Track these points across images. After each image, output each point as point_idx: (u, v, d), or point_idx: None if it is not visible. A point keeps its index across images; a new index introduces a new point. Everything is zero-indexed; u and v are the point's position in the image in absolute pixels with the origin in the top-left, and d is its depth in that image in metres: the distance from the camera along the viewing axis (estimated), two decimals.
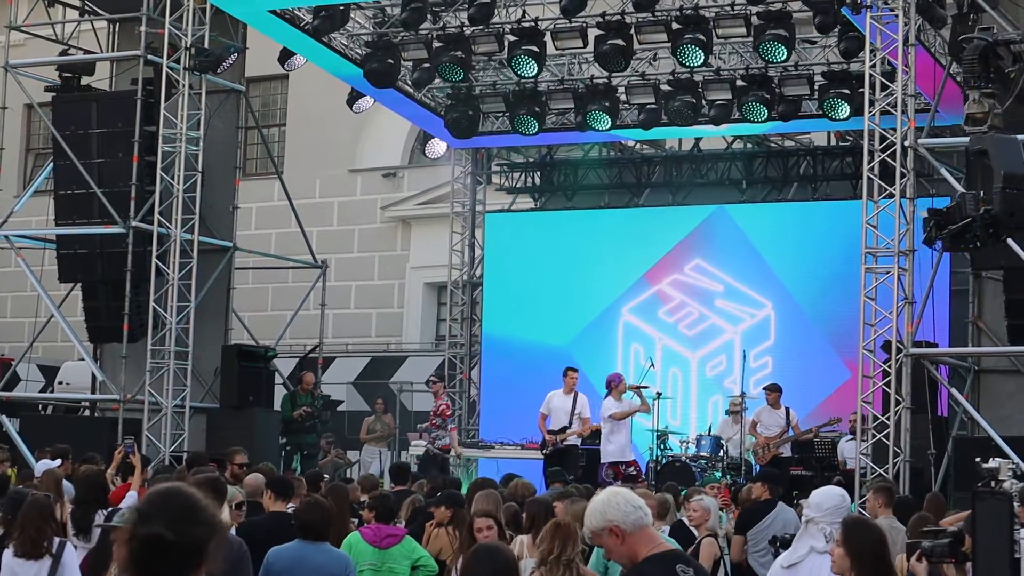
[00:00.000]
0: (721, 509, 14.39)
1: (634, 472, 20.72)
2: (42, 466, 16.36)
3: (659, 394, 22.25)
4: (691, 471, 21.35)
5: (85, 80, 24.36)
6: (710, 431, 22.60)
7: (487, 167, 29.07)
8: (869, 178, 18.24)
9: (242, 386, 23.20)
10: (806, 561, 8.42)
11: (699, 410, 25.03)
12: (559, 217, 27.98)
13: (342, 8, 22.51)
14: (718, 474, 20.83)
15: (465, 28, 22.94)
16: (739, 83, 23.63)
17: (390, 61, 23.50)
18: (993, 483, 7.23)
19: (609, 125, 24.54)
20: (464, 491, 13.96)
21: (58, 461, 16.58)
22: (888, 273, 17.88)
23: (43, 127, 31.73)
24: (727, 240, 25.93)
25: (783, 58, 21.52)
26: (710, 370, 25.49)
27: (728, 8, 21.66)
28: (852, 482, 17.51)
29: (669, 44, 22.00)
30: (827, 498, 8.47)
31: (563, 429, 21.54)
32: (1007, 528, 7.11)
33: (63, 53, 24.88)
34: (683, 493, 15.07)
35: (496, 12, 22.36)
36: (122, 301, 22.38)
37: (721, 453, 21.58)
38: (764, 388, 22.04)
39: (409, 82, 24.74)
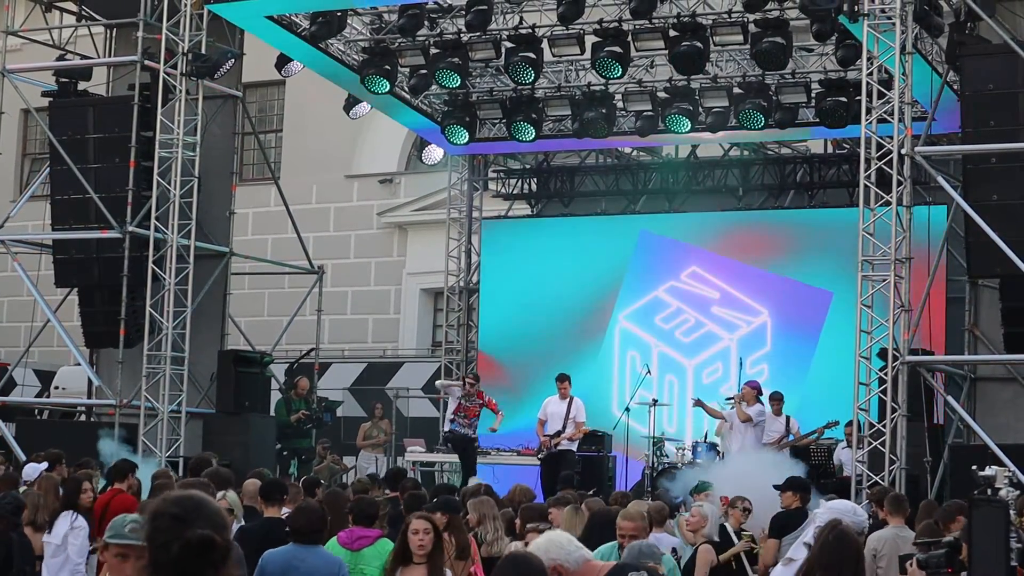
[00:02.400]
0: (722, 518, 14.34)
1: None
2: (30, 470, 16.35)
3: (655, 401, 22.25)
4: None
5: (82, 85, 24.37)
6: (706, 438, 22.59)
7: (484, 173, 29.06)
8: (866, 186, 18.24)
9: (238, 391, 23.21)
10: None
11: (695, 417, 24.99)
12: (556, 223, 27.97)
13: (339, 14, 22.51)
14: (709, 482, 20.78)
15: (462, 34, 22.95)
16: (736, 90, 23.64)
17: (387, 67, 23.50)
18: (989, 491, 7.24)
19: (606, 132, 24.53)
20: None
21: (44, 464, 16.56)
22: (885, 281, 17.87)
23: (40, 132, 31.71)
24: (723, 247, 25.93)
25: (780, 66, 21.52)
26: (706, 377, 25.47)
27: (725, 16, 21.67)
28: (848, 490, 17.53)
29: (666, 51, 22.01)
30: (829, 507, 8.45)
31: (557, 433, 21.59)
32: (1003, 536, 7.11)
33: (60, 58, 24.86)
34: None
35: (493, 19, 22.35)
36: (118, 306, 22.36)
37: (717, 460, 21.55)
38: (769, 397, 22.02)
39: (406, 88, 24.74)
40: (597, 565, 6.48)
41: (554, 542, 6.30)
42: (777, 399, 21.72)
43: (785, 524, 13.60)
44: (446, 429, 22.72)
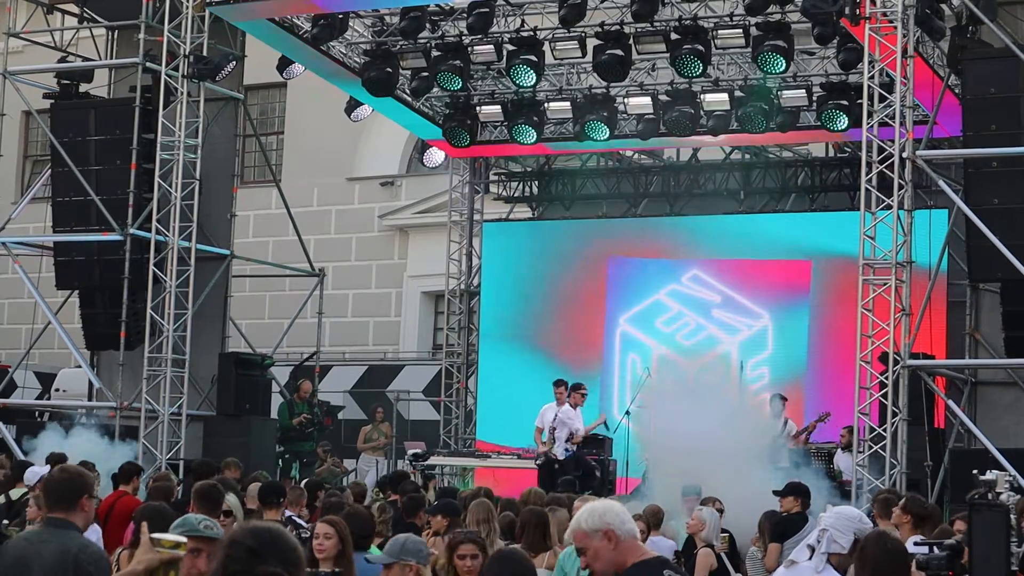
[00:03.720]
0: None
1: None
2: (31, 473, 16.32)
3: None
4: None
5: (83, 87, 24.39)
6: None
7: (485, 176, 29.06)
8: (867, 189, 18.23)
9: (239, 394, 23.20)
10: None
11: None
12: (557, 226, 27.98)
13: (341, 17, 22.52)
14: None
15: (464, 37, 22.95)
16: (737, 93, 23.64)
17: (388, 70, 23.50)
18: (990, 495, 7.22)
19: (607, 135, 24.53)
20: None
21: (47, 468, 16.52)
22: (885, 284, 17.86)
23: (41, 134, 31.73)
24: (725, 251, 25.92)
25: (782, 69, 21.52)
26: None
27: (727, 19, 21.67)
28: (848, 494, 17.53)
29: (668, 54, 22.01)
30: (837, 512, 8.42)
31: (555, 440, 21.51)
32: (1004, 540, 7.10)
33: (62, 60, 24.89)
34: None
35: (495, 21, 22.35)
36: (119, 308, 22.38)
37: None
38: (770, 398, 22.00)
39: (407, 91, 24.73)
40: (640, 547, 6.47)
41: (612, 509, 6.38)
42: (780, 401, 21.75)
43: (786, 529, 13.59)
44: (560, 457, 21.69)
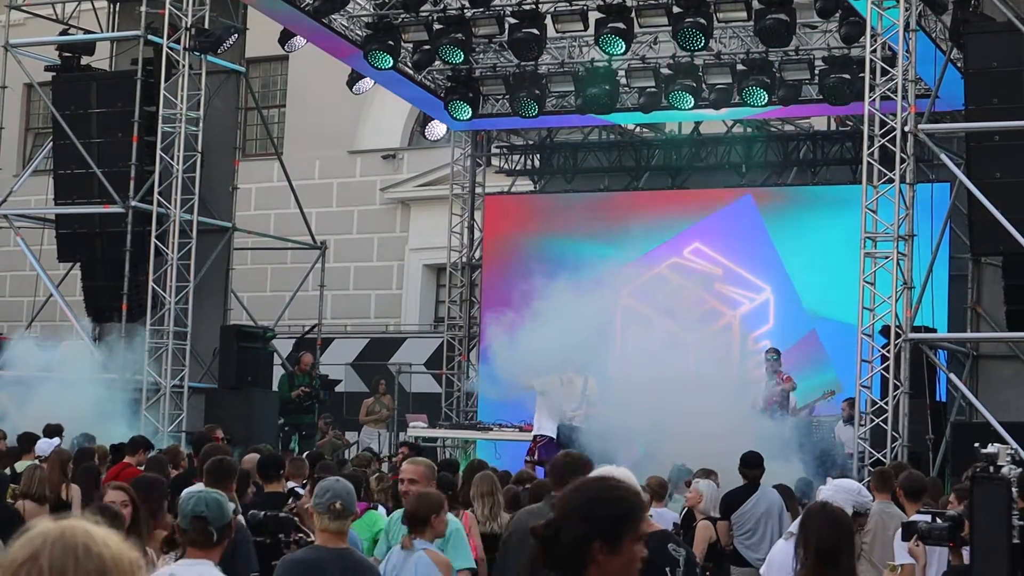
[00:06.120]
0: None
1: None
2: (44, 445, 16.36)
3: None
4: None
5: (85, 60, 24.37)
6: None
7: (487, 149, 29.05)
8: (869, 163, 18.23)
9: (241, 366, 23.23)
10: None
11: None
12: (558, 200, 27.97)
13: None
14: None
15: (466, 10, 22.92)
16: (739, 67, 23.61)
17: (390, 43, 23.48)
18: (991, 468, 7.25)
19: (609, 108, 24.51)
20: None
21: (56, 440, 16.58)
22: (887, 258, 17.88)
23: (43, 107, 31.67)
24: (726, 224, 25.92)
25: (784, 43, 21.48)
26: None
27: None
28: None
29: (670, 28, 21.98)
30: (836, 485, 8.44)
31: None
32: (1005, 513, 7.13)
33: (63, 33, 24.86)
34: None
35: None
36: (121, 281, 22.41)
37: None
38: (765, 352, 22.01)
39: (409, 64, 24.71)
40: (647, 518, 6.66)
41: (629, 475, 6.52)
42: (775, 353, 21.74)
43: (731, 502, 13.50)
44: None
